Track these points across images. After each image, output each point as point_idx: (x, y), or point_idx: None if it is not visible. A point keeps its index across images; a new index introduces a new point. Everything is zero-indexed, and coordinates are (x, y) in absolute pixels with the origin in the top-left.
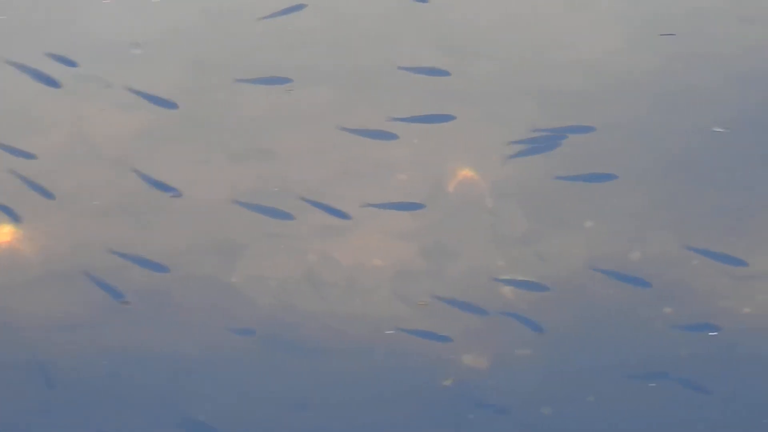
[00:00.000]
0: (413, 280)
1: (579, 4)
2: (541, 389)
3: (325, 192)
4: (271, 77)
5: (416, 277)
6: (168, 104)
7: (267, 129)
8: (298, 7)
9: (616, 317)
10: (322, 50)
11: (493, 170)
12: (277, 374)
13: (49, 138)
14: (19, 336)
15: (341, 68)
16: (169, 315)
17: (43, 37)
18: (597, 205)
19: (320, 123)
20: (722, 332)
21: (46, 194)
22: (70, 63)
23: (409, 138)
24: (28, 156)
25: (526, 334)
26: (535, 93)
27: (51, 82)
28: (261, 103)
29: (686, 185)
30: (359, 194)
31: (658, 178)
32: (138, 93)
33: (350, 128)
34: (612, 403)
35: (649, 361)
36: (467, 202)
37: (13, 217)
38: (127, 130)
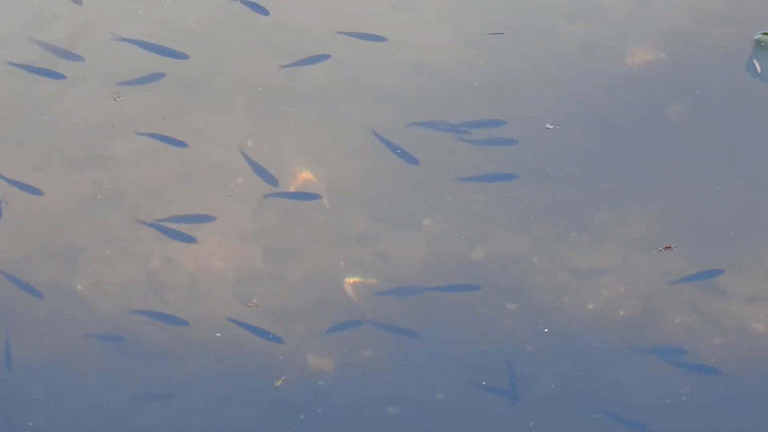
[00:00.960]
0: (255, 283)
1: (407, 4)
2: (387, 389)
3: (162, 197)
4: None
5: (258, 279)
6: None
7: (101, 134)
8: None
9: (460, 315)
10: (151, 55)
11: (331, 172)
12: (120, 380)
13: None
14: None
15: (173, 74)
16: (9, 323)
17: None
18: (434, 203)
19: (155, 128)
20: (565, 327)
21: None
22: None
23: (243, 141)
24: None
25: (369, 334)
26: (369, 94)
27: None
28: (94, 108)
29: (525, 181)
30: (197, 199)
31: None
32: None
33: None
34: (459, 403)
35: (493, 358)
36: (306, 204)
37: None
38: None
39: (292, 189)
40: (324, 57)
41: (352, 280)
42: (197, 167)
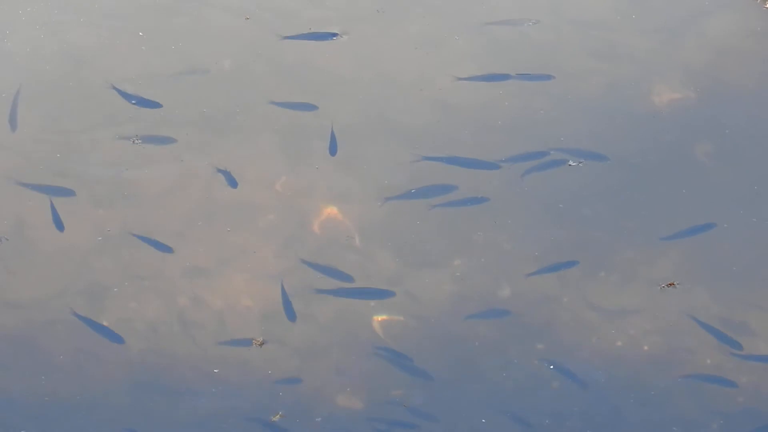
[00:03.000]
0: (283, 321)
1: (432, 42)
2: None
3: (190, 234)
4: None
5: (285, 318)
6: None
7: (126, 171)
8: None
9: (491, 355)
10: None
11: (358, 210)
12: (150, 417)
13: None
14: None
15: (196, 113)
16: (34, 360)
17: None
18: (463, 243)
19: (178, 164)
20: (597, 366)
21: None
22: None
23: (272, 180)
24: None
25: (399, 373)
26: (398, 131)
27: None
28: (116, 146)
29: (549, 220)
30: (226, 235)
31: (521, 213)
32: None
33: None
34: None
35: (524, 395)
36: (333, 242)
37: None
38: None
39: (315, 228)
40: (331, 35)
41: (380, 318)
42: (225, 204)
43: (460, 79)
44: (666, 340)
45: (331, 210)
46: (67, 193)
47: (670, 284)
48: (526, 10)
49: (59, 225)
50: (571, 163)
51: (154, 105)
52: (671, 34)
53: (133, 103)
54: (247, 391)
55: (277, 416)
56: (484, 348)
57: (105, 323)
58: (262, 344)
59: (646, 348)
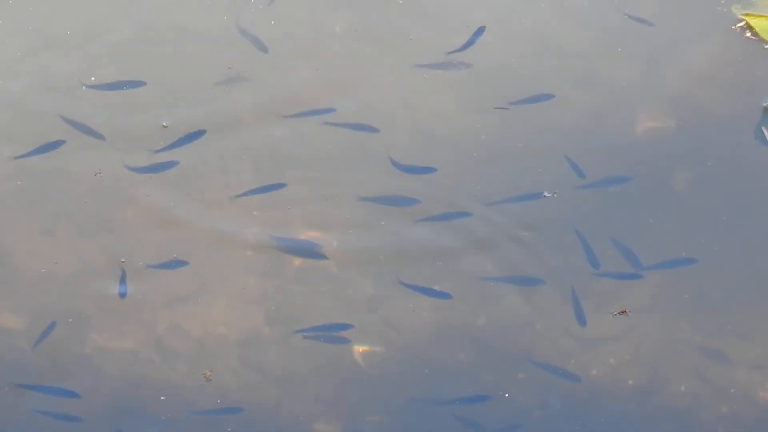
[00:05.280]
0: (260, 348)
1: (411, 70)
2: None
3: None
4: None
5: (263, 344)
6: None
7: (108, 201)
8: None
9: (466, 385)
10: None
11: (336, 237)
12: None
13: None
14: None
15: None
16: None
17: None
18: (441, 270)
19: (159, 195)
20: (571, 393)
21: None
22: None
23: (250, 209)
24: None
25: (376, 400)
26: (375, 158)
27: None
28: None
29: (532, 250)
30: (204, 266)
31: (503, 242)
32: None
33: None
34: None
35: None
36: (311, 269)
37: None
38: None
39: (296, 259)
40: (329, 110)
41: (361, 348)
42: (204, 233)
43: (496, 107)
44: (643, 369)
45: (311, 235)
46: None
47: (623, 312)
48: (509, 40)
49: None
50: (546, 194)
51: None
52: (651, 63)
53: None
54: (224, 418)
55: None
56: (462, 374)
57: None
58: (209, 379)
59: (630, 381)
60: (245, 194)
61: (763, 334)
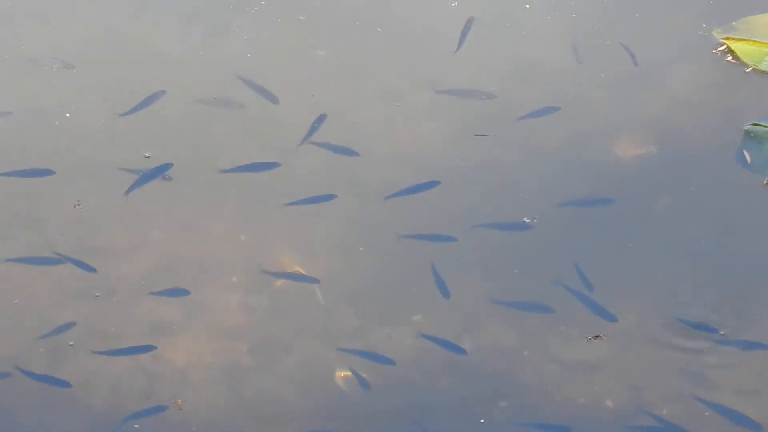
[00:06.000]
0: (245, 377)
1: (392, 97)
2: None
3: (151, 288)
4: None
5: (247, 373)
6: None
7: (92, 227)
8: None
9: (454, 414)
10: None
11: (320, 266)
12: None
13: None
14: None
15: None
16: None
17: None
18: (424, 300)
19: (143, 219)
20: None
21: None
22: None
23: (236, 235)
24: None
25: (361, 429)
26: (357, 186)
27: None
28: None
29: (513, 275)
30: (190, 296)
31: (483, 271)
32: None
33: None
34: None
35: None
36: (296, 298)
37: None
38: None
39: (279, 283)
40: (330, 197)
41: (342, 373)
42: (186, 260)
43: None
44: (628, 396)
45: (294, 266)
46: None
47: (597, 336)
48: (489, 65)
49: None
50: (525, 220)
51: None
52: (632, 85)
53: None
54: None
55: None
56: (446, 403)
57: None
58: (180, 407)
59: (608, 403)
60: (295, 202)
61: (744, 359)
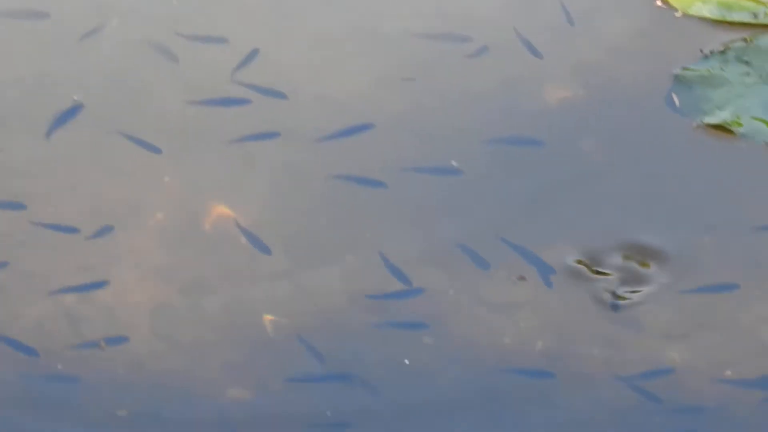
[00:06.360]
0: (172, 317)
1: (323, 44)
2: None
3: (80, 238)
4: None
5: (175, 313)
6: None
7: (25, 172)
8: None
9: (382, 351)
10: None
11: (249, 207)
12: (34, 411)
13: None
14: None
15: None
16: None
17: None
18: (356, 240)
19: (71, 163)
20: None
21: None
22: None
23: (160, 176)
24: None
25: (287, 368)
26: (284, 129)
27: None
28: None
29: (440, 218)
30: (113, 236)
31: (414, 215)
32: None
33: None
34: None
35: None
36: (224, 239)
37: None
38: None
39: (206, 225)
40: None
41: (269, 317)
42: (114, 202)
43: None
44: (556, 336)
45: (222, 208)
46: None
47: (521, 278)
48: (414, 6)
49: None
50: (454, 164)
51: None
52: (562, 31)
53: None
54: (136, 385)
55: (124, 412)
56: (375, 341)
57: None
58: (104, 347)
59: (539, 344)
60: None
61: (672, 298)
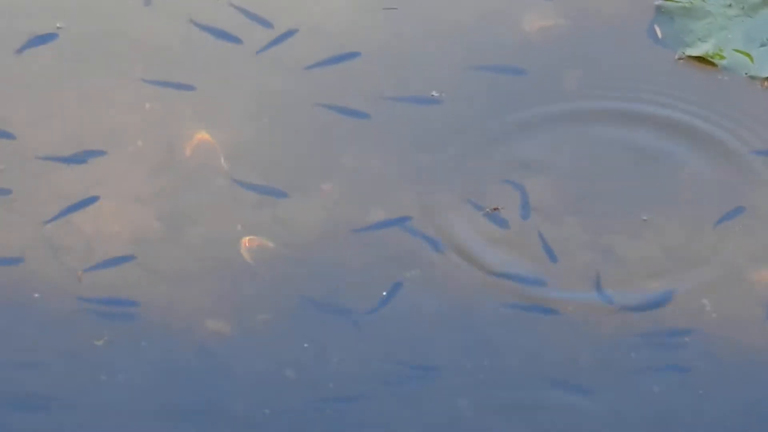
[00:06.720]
0: (151, 246)
1: None
2: (285, 352)
3: (60, 165)
4: None
5: (154, 242)
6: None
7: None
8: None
9: (360, 277)
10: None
11: (229, 134)
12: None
13: None
14: None
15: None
16: None
17: None
18: (334, 168)
19: (48, 90)
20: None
21: None
22: None
23: (141, 103)
24: None
25: (267, 299)
26: (266, 57)
27: None
28: None
29: (421, 146)
30: (95, 163)
31: (397, 139)
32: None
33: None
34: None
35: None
36: (204, 167)
37: None
38: None
39: (187, 153)
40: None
41: (248, 243)
42: (94, 129)
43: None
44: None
45: (202, 134)
46: None
47: (495, 209)
48: None
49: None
50: (434, 94)
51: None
52: None
53: None
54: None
55: (101, 341)
56: (353, 272)
57: None
58: (81, 278)
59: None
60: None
61: (651, 233)
